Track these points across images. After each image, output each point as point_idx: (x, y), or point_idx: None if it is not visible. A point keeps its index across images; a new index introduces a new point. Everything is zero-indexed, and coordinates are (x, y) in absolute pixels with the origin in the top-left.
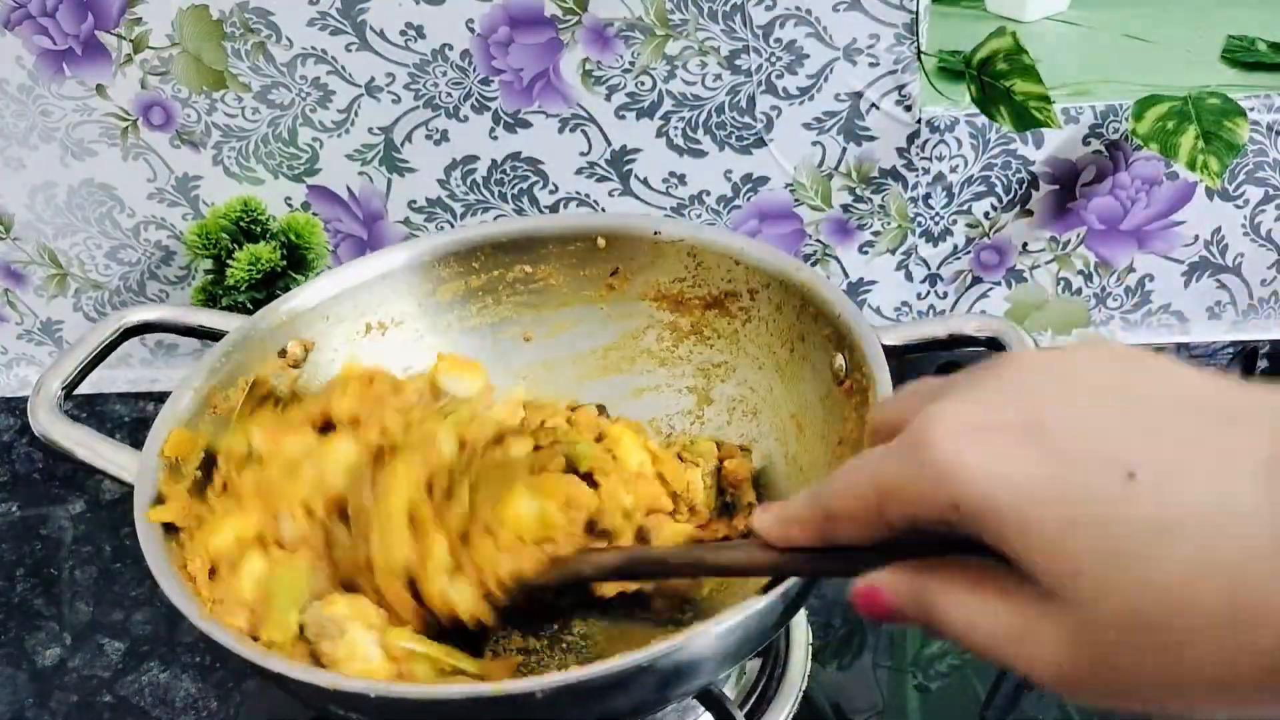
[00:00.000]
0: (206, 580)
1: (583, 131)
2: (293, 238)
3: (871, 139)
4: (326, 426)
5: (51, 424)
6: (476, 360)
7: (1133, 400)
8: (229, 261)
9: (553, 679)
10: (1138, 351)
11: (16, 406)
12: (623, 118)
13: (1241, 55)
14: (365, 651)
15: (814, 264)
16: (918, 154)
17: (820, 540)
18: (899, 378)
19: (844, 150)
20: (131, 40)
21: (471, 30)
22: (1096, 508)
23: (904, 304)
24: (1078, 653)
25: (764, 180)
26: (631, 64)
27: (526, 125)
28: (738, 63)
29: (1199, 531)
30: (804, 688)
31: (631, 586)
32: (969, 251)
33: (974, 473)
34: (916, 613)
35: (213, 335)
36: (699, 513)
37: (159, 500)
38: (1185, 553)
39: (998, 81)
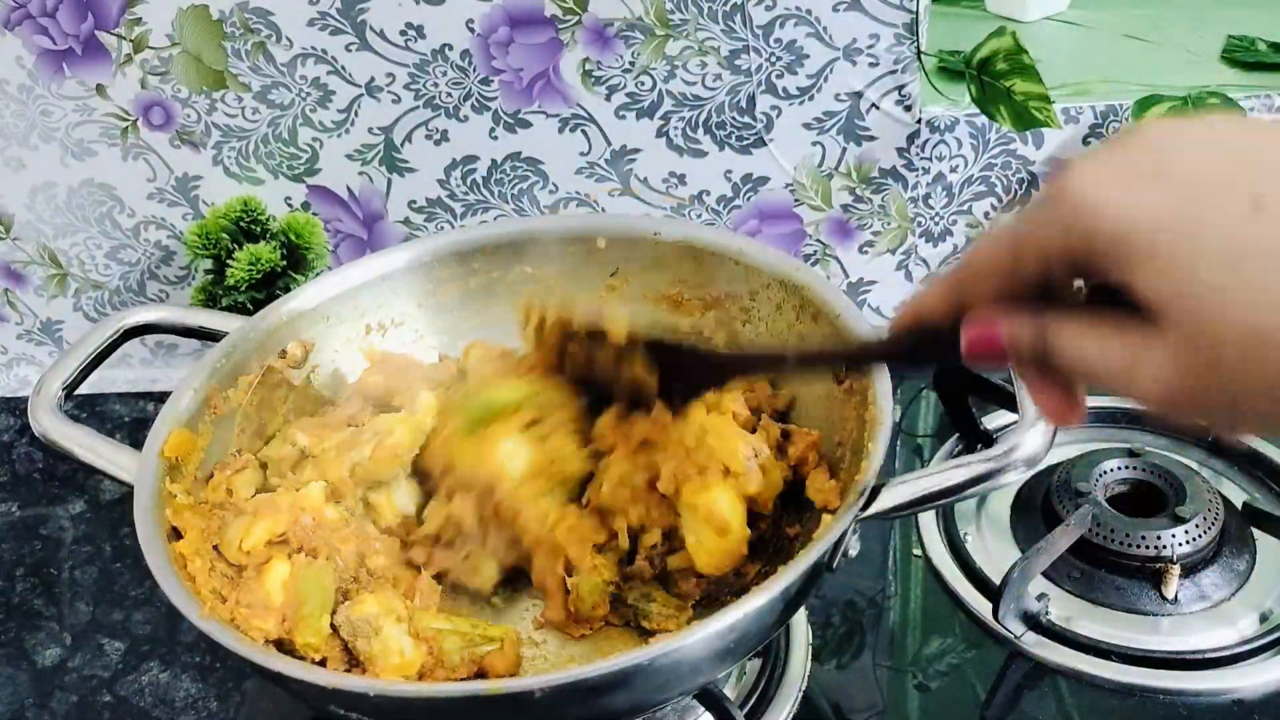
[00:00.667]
0: (227, 583)
1: (582, 131)
2: (293, 238)
3: (871, 139)
4: None
5: (52, 424)
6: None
7: (1262, 149)
8: (229, 261)
9: (551, 678)
10: (1270, 120)
11: (17, 406)
12: (623, 118)
13: (1241, 55)
14: (399, 645)
15: (814, 264)
16: (918, 154)
17: (949, 305)
18: (899, 379)
19: (844, 150)
20: (131, 40)
21: (471, 30)
22: (1224, 234)
23: (903, 304)
24: (1188, 372)
25: (764, 180)
26: (631, 64)
27: (526, 125)
28: (738, 63)
29: None
30: (804, 687)
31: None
32: None
33: (1109, 208)
34: (1030, 349)
35: (213, 336)
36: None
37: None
38: None
39: (998, 81)
